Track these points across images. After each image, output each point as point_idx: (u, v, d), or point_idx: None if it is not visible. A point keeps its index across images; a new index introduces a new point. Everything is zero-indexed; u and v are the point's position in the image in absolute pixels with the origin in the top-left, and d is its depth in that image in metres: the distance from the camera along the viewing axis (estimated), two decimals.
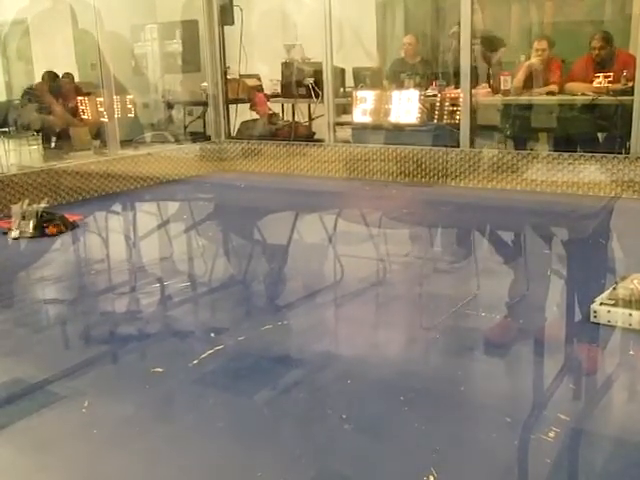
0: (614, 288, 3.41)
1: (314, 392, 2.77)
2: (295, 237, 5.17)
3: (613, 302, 3.30)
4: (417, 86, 7.32)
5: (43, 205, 5.64)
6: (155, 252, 5.07)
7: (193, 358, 3.04)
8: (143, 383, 2.88)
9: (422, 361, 3.05)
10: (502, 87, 6.70)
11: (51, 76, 8.23)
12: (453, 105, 6.85)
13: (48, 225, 5.35)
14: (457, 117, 6.75)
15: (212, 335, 3.33)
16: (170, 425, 2.58)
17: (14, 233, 5.31)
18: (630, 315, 3.19)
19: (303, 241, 5.16)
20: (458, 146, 6.65)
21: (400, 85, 7.47)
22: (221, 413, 2.62)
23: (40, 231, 5.30)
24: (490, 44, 7.04)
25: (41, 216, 5.43)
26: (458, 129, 6.68)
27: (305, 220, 5.76)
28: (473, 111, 6.67)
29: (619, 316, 3.22)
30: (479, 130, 6.81)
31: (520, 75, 6.68)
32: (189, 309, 3.88)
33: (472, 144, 6.62)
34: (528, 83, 6.68)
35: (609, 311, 3.25)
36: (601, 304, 3.30)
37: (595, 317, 3.27)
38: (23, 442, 2.50)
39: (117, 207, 6.59)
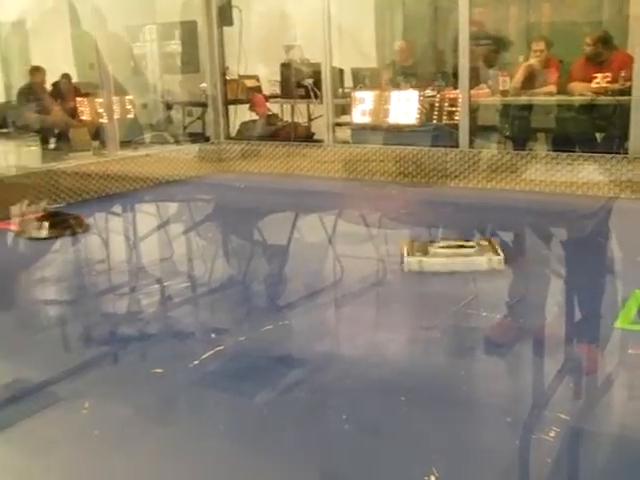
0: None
1: (315, 392, 2.77)
2: (295, 237, 5.17)
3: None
4: (412, 88, 7.31)
5: (56, 205, 5.67)
6: (155, 253, 5.07)
7: (193, 359, 3.04)
8: (143, 384, 2.88)
9: (423, 361, 3.06)
10: (501, 88, 6.71)
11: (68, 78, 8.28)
12: (452, 106, 6.86)
13: (61, 226, 5.36)
14: (456, 117, 6.75)
15: (212, 336, 3.33)
16: (170, 427, 2.58)
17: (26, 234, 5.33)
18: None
19: (303, 241, 5.16)
20: (457, 146, 6.65)
21: (397, 87, 7.47)
22: (221, 414, 2.62)
23: (53, 232, 5.30)
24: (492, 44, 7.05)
25: (54, 216, 5.45)
26: (457, 129, 6.68)
27: (305, 220, 5.76)
28: (472, 111, 6.68)
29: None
30: (478, 130, 6.82)
31: (518, 76, 6.68)
32: (189, 310, 3.88)
33: (471, 144, 6.62)
34: (526, 84, 6.69)
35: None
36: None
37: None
38: (25, 443, 2.50)
39: (117, 208, 6.59)
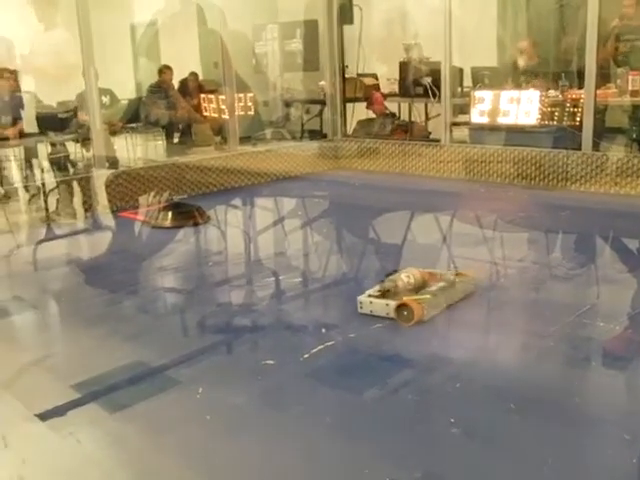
0: (382, 281, 3.61)
1: (422, 393, 2.76)
2: (408, 236, 5.15)
3: (378, 294, 3.52)
4: (534, 88, 7.09)
5: (179, 197, 5.96)
6: (270, 247, 5.20)
7: (304, 352, 3.10)
8: (255, 374, 2.97)
9: (535, 369, 2.97)
10: (630, 87, 6.40)
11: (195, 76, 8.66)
12: (575, 106, 6.61)
13: (184, 216, 5.61)
14: (580, 119, 6.50)
15: (323, 331, 3.38)
16: (280, 416, 2.65)
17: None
18: (387, 305, 3.42)
19: (415, 240, 5.13)
20: (580, 149, 6.40)
21: (518, 87, 7.27)
22: (329, 408, 2.66)
23: (176, 222, 5.56)
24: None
25: (177, 207, 5.72)
26: (580, 131, 6.43)
27: (418, 220, 5.72)
28: (597, 113, 6.41)
29: (379, 306, 3.45)
30: (603, 132, 6.53)
31: None
32: (301, 304, 3.96)
33: (595, 147, 6.35)
34: None
35: (371, 302, 3.48)
36: (369, 296, 3.52)
37: (361, 308, 3.50)
38: (143, 423, 2.64)
39: (236, 201, 6.80)
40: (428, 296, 3.47)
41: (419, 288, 3.59)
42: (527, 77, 7.32)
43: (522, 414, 2.52)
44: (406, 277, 3.60)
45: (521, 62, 7.53)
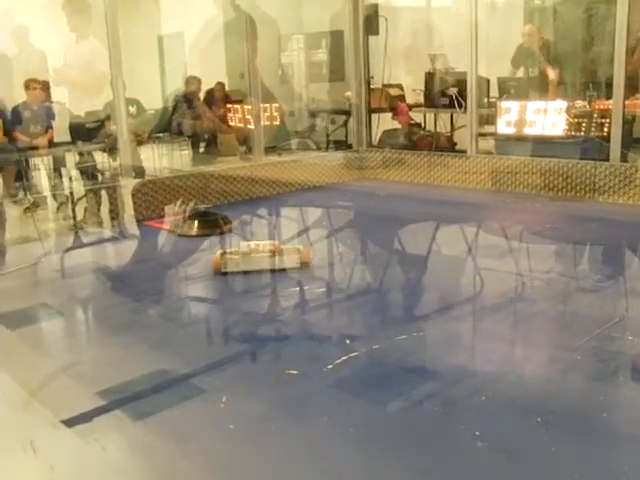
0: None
1: (447, 406, 2.74)
2: (433, 248, 5.12)
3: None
4: (561, 99, 7.03)
5: (204, 206, 6.00)
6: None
7: (328, 363, 3.09)
8: (279, 384, 2.96)
9: (562, 383, 2.93)
10: None
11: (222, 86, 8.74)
12: (603, 117, 6.54)
13: (209, 225, 5.64)
14: (607, 129, 6.42)
15: (347, 341, 3.37)
16: (303, 426, 2.64)
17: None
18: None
19: (441, 252, 5.10)
20: (607, 160, 6.33)
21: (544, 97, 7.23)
22: (352, 419, 2.65)
23: (201, 231, 5.59)
24: None
25: (203, 216, 5.76)
26: (608, 142, 6.36)
27: (443, 231, 5.69)
28: (625, 123, 6.33)
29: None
30: (632, 143, 6.45)
31: None
32: (326, 314, 3.95)
33: (623, 158, 6.27)
34: None
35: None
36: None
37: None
38: (166, 431, 2.65)
39: (262, 211, 6.82)
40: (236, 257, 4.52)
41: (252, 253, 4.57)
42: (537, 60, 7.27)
43: (549, 428, 2.48)
44: (247, 245, 4.65)
45: (528, 45, 7.47)
